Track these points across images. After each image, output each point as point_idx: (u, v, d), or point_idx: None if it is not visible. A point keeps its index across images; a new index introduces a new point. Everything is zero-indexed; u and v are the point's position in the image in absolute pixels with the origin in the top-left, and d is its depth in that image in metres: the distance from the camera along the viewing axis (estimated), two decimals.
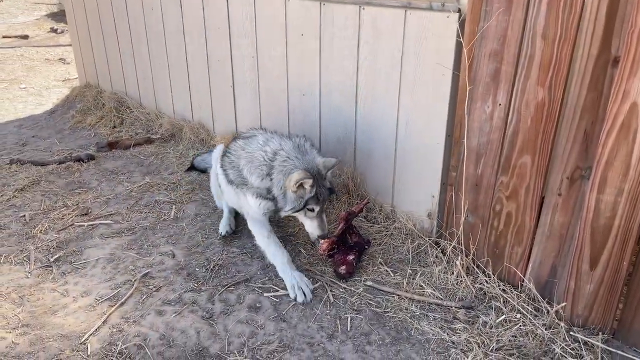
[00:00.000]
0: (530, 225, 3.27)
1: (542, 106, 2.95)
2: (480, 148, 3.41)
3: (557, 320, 3.13)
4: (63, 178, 5.55)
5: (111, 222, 4.63)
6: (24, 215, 4.72)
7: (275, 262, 3.75)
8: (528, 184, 3.19)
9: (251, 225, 3.98)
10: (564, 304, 3.14)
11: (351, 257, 3.74)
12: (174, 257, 4.09)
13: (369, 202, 4.17)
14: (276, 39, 4.69)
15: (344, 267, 3.69)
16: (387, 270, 3.78)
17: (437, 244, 3.89)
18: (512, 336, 3.11)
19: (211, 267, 3.91)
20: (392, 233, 4.11)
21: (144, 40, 6.63)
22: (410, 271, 3.73)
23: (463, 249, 3.65)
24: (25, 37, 14.41)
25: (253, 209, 3.92)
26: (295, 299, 3.49)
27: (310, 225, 3.82)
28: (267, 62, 4.94)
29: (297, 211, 3.75)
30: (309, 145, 3.86)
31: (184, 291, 3.63)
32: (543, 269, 3.28)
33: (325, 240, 3.75)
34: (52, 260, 4.02)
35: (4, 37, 14.39)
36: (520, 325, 3.15)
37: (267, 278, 3.76)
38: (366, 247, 3.92)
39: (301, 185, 3.61)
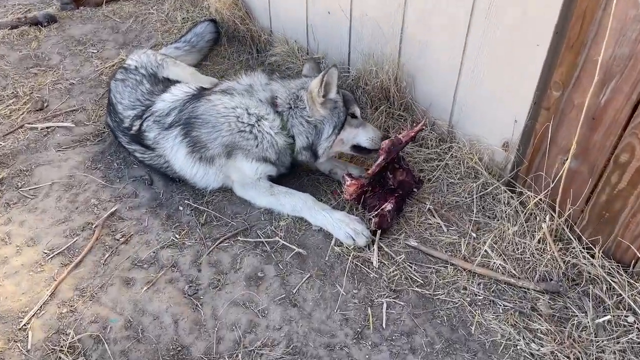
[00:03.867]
0: None
1: None
2: (615, 63, 2.10)
3: None
4: (16, 50, 4.29)
5: (72, 124, 3.51)
6: None
7: (300, 212, 2.75)
8: None
9: (243, 193, 2.91)
10: None
11: (388, 207, 2.67)
12: (151, 184, 3.06)
13: (425, 127, 2.92)
14: None
15: (374, 218, 2.64)
16: (438, 223, 2.73)
17: (510, 188, 2.76)
18: (621, 351, 2.17)
19: (199, 204, 2.90)
20: (447, 164, 2.96)
21: None
22: (470, 227, 2.68)
23: (555, 206, 2.54)
24: None
25: (246, 174, 2.81)
26: (353, 244, 2.61)
27: (363, 135, 2.87)
28: None
29: (340, 129, 2.76)
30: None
31: (162, 246, 2.68)
32: None
33: (352, 180, 2.64)
34: None
35: None
36: (635, 335, 2.19)
37: (272, 227, 2.76)
38: (414, 189, 2.81)
39: (326, 89, 2.70)
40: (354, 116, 2.82)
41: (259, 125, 2.70)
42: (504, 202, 2.73)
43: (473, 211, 2.75)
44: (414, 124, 2.98)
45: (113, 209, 2.89)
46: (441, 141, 3.05)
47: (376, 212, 2.65)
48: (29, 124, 3.51)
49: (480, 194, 2.81)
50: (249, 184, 2.83)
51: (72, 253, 2.66)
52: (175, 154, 2.83)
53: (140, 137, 2.93)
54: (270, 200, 2.80)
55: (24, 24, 4.54)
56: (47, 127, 3.48)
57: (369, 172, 2.72)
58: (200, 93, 2.88)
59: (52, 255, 2.64)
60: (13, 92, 3.81)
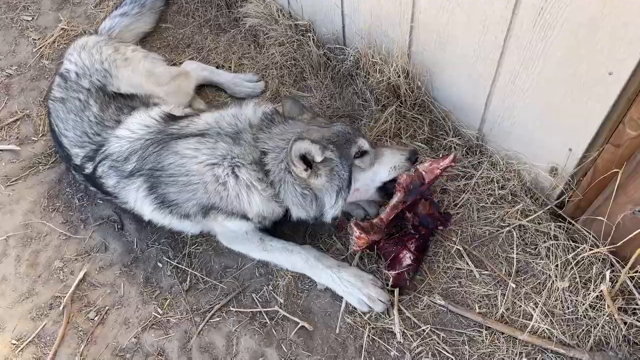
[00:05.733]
0: None
1: None
2: None
3: None
4: None
5: (17, 146, 2.89)
6: None
7: (301, 270, 2.28)
8: None
9: (230, 246, 2.39)
10: None
11: (407, 260, 2.19)
12: (122, 228, 2.57)
13: (454, 163, 2.21)
14: None
15: (391, 273, 2.18)
16: (469, 269, 2.25)
17: (556, 218, 2.22)
18: None
19: (181, 260, 2.43)
20: (477, 183, 2.38)
21: None
22: (508, 271, 2.21)
23: (616, 258, 2.03)
24: None
25: (230, 229, 2.27)
26: (369, 311, 2.18)
27: (383, 169, 2.21)
28: None
29: (348, 187, 2.12)
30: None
31: (144, 326, 2.28)
32: None
33: (362, 233, 2.12)
34: None
35: None
36: None
37: (269, 287, 2.32)
38: (440, 227, 2.28)
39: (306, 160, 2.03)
40: (362, 154, 2.17)
41: (248, 195, 2.10)
42: (549, 235, 2.21)
43: (511, 248, 2.24)
44: (442, 154, 2.32)
45: (81, 274, 2.44)
46: (469, 153, 2.42)
47: (392, 268, 2.18)
48: None
49: (519, 222, 2.27)
50: (234, 239, 2.33)
51: (43, 342, 2.29)
52: (141, 206, 2.28)
53: (96, 182, 2.37)
54: (263, 255, 2.32)
55: None
56: None
57: (382, 217, 2.18)
58: (167, 133, 2.21)
59: (21, 347, 2.28)
60: None
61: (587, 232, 2.06)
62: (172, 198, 2.16)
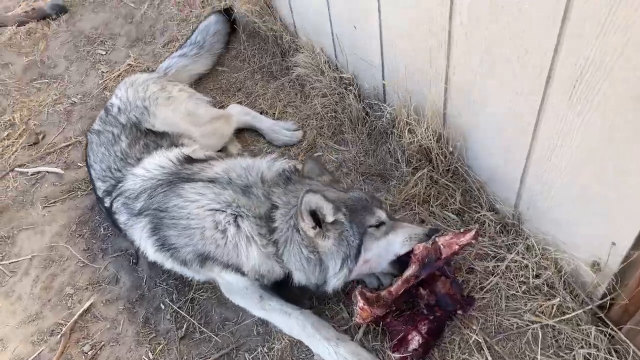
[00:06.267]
0: None
1: None
2: None
3: None
4: (23, 55, 3.82)
5: (62, 170, 3.03)
6: None
7: (297, 336, 2.09)
8: None
9: (231, 298, 2.26)
10: None
11: (414, 343, 1.94)
12: (136, 263, 2.55)
13: (476, 240, 1.98)
14: None
15: (395, 355, 1.93)
16: None
17: (598, 321, 1.88)
18: None
19: (182, 304, 2.34)
20: (508, 267, 2.09)
21: None
22: None
23: None
24: None
25: (229, 282, 2.17)
26: None
27: (397, 240, 1.99)
28: None
29: (355, 257, 1.94)
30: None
31: None
32: None
33: (366, 305, 1.91)
34: None
35: None
36: None
37: (264, 348, 2.14)
38: (460, 311, 2.01)
39: (315, 218, 1.89)
40: (378, 226, 1.99)
41: (246, 248, 1.99)
42: (587, 342, 1.86)
43: (541, 348, 1.91)
44: (466, 227, 2.08)
45: (88, 304, 2.42)
46: (503, 231, 2.15)
47: (397, 350, 1.94)
48: (19, 166, 3.08)
49: (554, 320, 1.95)
50: (234, 292, 2.21)
51: None
52: (145, 246, 2.24)
53: (112, 217, 2.37)
54: (262, 314, 2.17)
55: (32, 19, 4.00)
56: (37, 173, 3.04)
57: (391, 289, 1.97)
58: (179, 176, 2.19)
59: None
60: (10, 120, 3.37)
61: (630, 345, 1.71)
62: (172, 242, 2.10)
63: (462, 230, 2.03)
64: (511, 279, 2.07)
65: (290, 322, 2.08)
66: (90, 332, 2.34)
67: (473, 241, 1.86)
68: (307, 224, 1.89)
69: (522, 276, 2.04)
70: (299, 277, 2.00)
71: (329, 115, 2.82)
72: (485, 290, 2.09)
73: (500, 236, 2.14)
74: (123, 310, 2.39)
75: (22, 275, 2.61)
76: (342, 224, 1.93)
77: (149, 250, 2.22)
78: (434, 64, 2.01)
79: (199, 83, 3.34)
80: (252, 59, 3.38)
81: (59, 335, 2.33)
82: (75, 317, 2.38)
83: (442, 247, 1.90)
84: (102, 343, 2.30)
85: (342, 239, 1.92)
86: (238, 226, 1.98)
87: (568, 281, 1.95)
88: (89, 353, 2.28)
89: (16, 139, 3.25)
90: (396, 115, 2.35)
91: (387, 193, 2.44)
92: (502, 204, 2.10)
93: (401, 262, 2.03)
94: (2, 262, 2.67)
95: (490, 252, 2.13)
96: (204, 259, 2.06)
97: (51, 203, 2.89)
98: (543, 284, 2.00)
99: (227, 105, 3.11)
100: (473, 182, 2.19)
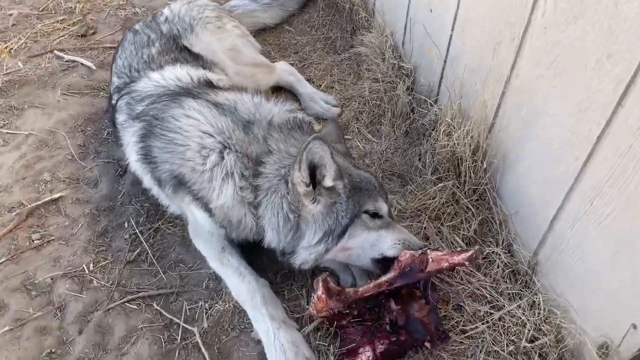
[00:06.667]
0: None
1: None
2: None
3: None
4: None
5: (98, 63, 2.95)
6: (11, 14, 3.25)
7: (243, 304, 1.84)
8: None
9: (193, 239, 2.03)
10: None
11: (367, 356, 1.65)
12: (123, 174, 2.38)
13: (472, 262, 1.66)
14: None
15: None
16: None
17: None
18: None
19: (145, 230, 2.15)
20: (501, 317, 1.74)
21: None
22: None
23: None
24: None
25: (197, 220, 1.95)
26: None
27: (387, 238, 1.73)
28: None
29: (338, 237, 1.69)
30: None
31: (66, 273, 2.00)
32: None
33: (325, 294, 1.64)
34: None
35: None
36: None
37: (206, 304, 1.90)
38: (428, 343, 1.69)
39: (315, 173, 1.66)
40: (374, 215, 1.73)
41: (221, 183, 1.77)
42: None
43: None
44: (466, 250, 1.76)
45: (57, 195, 2.28)
46: (510, 278, 1.82)
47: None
48: (59, 50, 3.01)
49: None
50: (199, 234, 1.99)
51: None
52: (130, 152, 2.07)
53: (114, 114, 2.23)
54: (217, 267, 1.93)
55: None
56: (72, 61, 2.96)
57: (359, 289, 1.69)
58: (188, 91, 2.00)
59: None
60: (71, 8, 3.34)
61: None
62: (154, 154, 1.91)
63: (458, 249, 1.73)
64: (500, 334, 1.73)
65: (241, 286, 1.83)
66: (46, 223, 2.19)
67: (466, 263, 1.55)
68: (301, 176, 1.64)
69: (514, 334, 1.70)
70: (270, 237, 1.75)
71: (373, 101, 2.58)
72: (466, 334, 1.76)
73: (506, 282, 1.81)
74: (87, 214, 2.23)
75: (13, 148, 2.50)
76: (339, 195, 1.68)
77: (132, 157, 2.05)
78: (498, 60, 1.72)
79: (259, 34, 3.17)
80: (321, 28, 3.19)
81: (14, 214, 2.19)
82: (39, 202, 2.23)
83: (430, 259, 1.61)
84: (52, 238, 2.13)
85: (332, 210, 1.67)
86: (222, 157, 1.76)
87: (565, 357, 1.60)
88: (35, 242, 2.11)
89: (68, 25, 3.21)
90: (441, 116, 2.07)
91: (401, 197, 2.16)
92: (521, 246, 1.77)
93: (385, 266, 1.75)
94: (1, 129, 2.58)
95: (488, 296, 1.80)
96: (178, 182, 1.86)
97: (71, 92, 2.79)
98: (535, 351, 1.65)
99: (276, 60, 2.93)
100: (497, 213, 1.87)
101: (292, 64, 2.95)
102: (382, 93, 2.55)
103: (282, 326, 1.73)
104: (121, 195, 2.30)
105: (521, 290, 1.76)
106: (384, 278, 1.66)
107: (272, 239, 1.77)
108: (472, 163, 1.88)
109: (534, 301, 1.71)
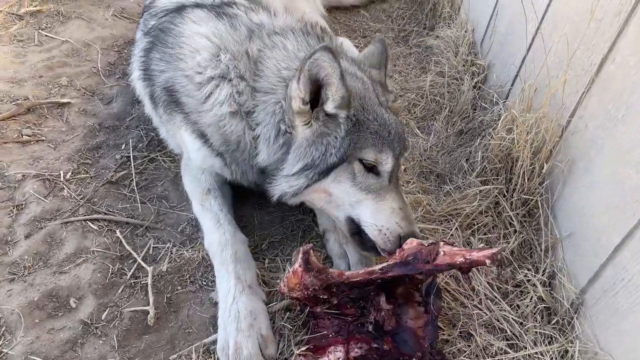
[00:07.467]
0: None
1: None
2: None
3: None
4: None
5: None
6: None
7: (212, 256, 1.54)
8: None
9: (183, 175, 1.78)
10: None
11: (337, 356, 1.29)
12: (139, 101, 2.17)
13: (501, 258, 1.28)
14: None
15: None
16: None
17: None
18: None
19: (140, 157, 1.91)
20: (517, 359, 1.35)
21: None
22: None
23: None
24: None
25: (189, 150, 1.67)
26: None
27: (370, 211, 1.40)
28: None
29: (319, 176, 1.39)
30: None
31: (41, 173, 1.78)
32: None
33: (301, 268, 1.31)
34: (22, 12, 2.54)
35: None
36: None
37: (174, 247, 1.62)
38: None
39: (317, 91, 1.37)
40: (370, 168, 1.40)
41: (215, 87, 1.50)
42: None
43: None
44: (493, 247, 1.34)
45: (66, 100, 2.10)
46: (543, 316, 1.41)
47: (306, 356, 1.30)
48: None
49: None
50: (188, 169, 1.72)
51: None
52: (135, 70, 1.85)
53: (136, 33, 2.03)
54: (198, 210, 1.65)
55: None
56: None
57: (345, 273, 1.34)
58: (203, 4, 1.75)
59: None
60: None
61: None
62: (152, 67, 1.68)
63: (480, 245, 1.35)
64: None
65: (215, 234, 1.53)
66: (44, 124, 2.00)
67: (487, 262, 1.17)
68: (298, 90, 1.34)
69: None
70: (262, 156, 1.46)
71: (432, 95, 2.25)
72: None
73: (536, 319, 1.40)
74: (88, 127, 2.03)
75: (44, 50, 2.38)
76: (338, 126, 1.38)
77: (135, 75, 1.85)
78: (589, 49, 1.37)
79: (333, 11, 2.95)
80: (398, 20, 2.93)
81: (14, 103, 2.02)
82: (44, 101, 2.06)
83: (442, 252, 1.24)
84: (43, 138, 1.94)
85: (321, 142, 1.38)
86: (218, 59, 1.50)
87: None
88: (24, 137, 1.93)
89: None
90: (506, 112, 1.72)
91: (434, 199, 1.80)
92: (567, 280, 1.37)
93: (361, 242, 1.42)
94: (42, 30, 2.47)
95: (508, 331, 1.40)
96: (170, 98, 1.60)
97: (122, 16, 2.67)
98: None
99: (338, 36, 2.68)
100: (546, 234, 1.48)
101: (355, 46, 2.69)
102: (445, 87, 2.22)
103: (246, 291, 1.41)
104: (130, 118, 2.10)
105: (553, 334, 1.35)
106: (379, 266, 1.31)
107: (263, 156, 1.47)
108: (530, 166, 1.51)
109: (567, 350, 1.29)
